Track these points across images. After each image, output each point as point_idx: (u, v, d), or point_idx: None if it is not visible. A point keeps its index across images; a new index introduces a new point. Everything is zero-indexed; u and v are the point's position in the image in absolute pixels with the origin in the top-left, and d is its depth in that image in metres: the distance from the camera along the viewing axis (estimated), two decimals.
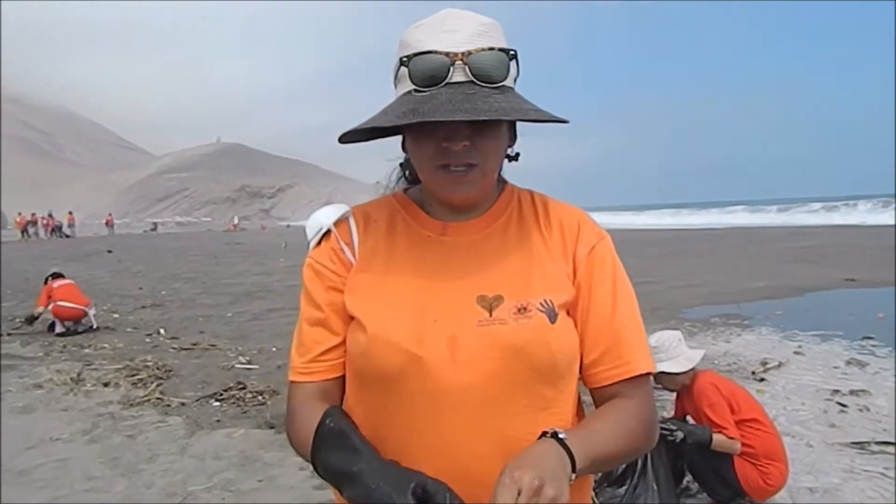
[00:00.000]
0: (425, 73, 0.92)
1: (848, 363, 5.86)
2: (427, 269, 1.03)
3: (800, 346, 6.61)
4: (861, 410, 4.59)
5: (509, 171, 1.12)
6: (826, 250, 17.02)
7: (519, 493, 0.78)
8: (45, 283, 8.70)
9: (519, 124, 1.06)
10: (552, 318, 0.99)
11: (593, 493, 1.18)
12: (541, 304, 0.99)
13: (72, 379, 5.91)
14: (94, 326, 8.49)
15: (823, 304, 9.35)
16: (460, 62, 0.92)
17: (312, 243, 1.10)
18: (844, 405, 4.70)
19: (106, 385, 5.76)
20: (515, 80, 0.99)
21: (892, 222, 28.33)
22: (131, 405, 5.16)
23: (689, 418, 3.38)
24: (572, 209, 1.12)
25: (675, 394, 3.49)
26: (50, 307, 8.27)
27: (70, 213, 52.51)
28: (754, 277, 12.01)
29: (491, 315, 0.98)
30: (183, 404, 5.18)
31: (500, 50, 0.94)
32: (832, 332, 7.16)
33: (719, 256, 17.03)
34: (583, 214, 1.11)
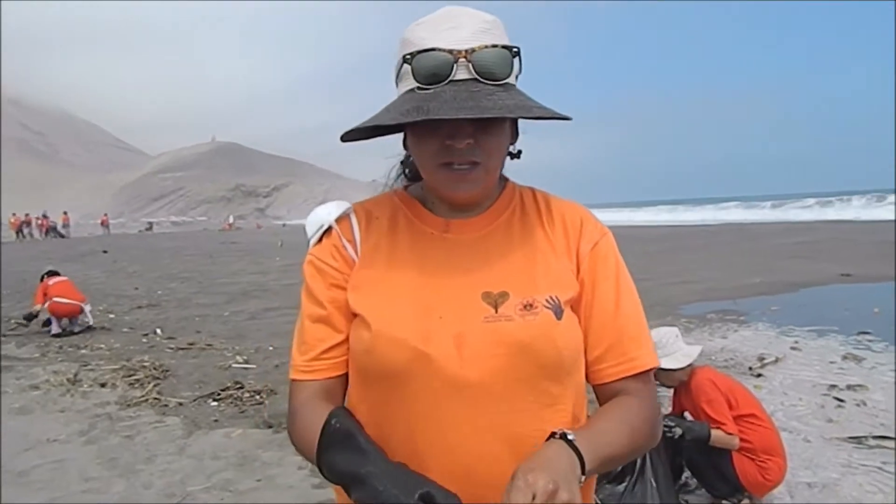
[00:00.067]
0: (428, 70, 0.92)
1: (844, 358, 5.89)
2: (430, 266, 1.03)
3: (796, 342, 6.63)
4: (858, 405, 4.61)
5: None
6: (821, 246, 17.09)
7: (534, 497, 0.78)
8: (41, 280, 8.72)
9: (520, 122, 1.05)
10: (558, 314, 0.99)
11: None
12: (547, 300, 0.99)
13: (68, 380, 5.90)
14: (91, 323, 8.52)
15: (819, 299, 9.39)
16: (464, 59, 0.91)
17: (313, 240, 1.09)
18: (841, 400, 4.72)
19: (103, 386, 5.75)
20: (517, 78, 0.98)
21: (886, 217, 28.44)
22: (128, 406, 5.15)
23: (686, 414, 3.39)
24: (574, 206, 1.12)
25: (672, 390, 3.50)
26: (46, 304, 8.28)
27: (65, 213, 52.28)
28: (750, 273, 12.05)
29: (497, 311, 0.98)
30: (180, 404, 5.17)
31: (504, 47, 0.94)
32: (828, 328, 7.19)
33: (714, 253, 17.07)
34: (585, 211, 1.11)
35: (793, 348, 6.37)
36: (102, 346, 7.56)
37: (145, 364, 6.38)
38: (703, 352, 3.74)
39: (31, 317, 8.55)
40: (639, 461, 2.99)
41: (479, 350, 0.96)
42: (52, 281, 8.63)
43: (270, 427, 4.52)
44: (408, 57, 0.94)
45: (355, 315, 1.02)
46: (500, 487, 0.82)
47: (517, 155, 1.08)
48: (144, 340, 7.85)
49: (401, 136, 1.08)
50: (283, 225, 75.45)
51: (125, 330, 8.60)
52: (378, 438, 0.93)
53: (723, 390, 3.21)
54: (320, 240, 1.09)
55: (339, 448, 0.88)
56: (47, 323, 8.35)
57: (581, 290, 1.04)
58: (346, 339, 1.04)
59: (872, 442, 3.93)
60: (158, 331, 8.42)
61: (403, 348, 0.96)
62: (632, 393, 1.02)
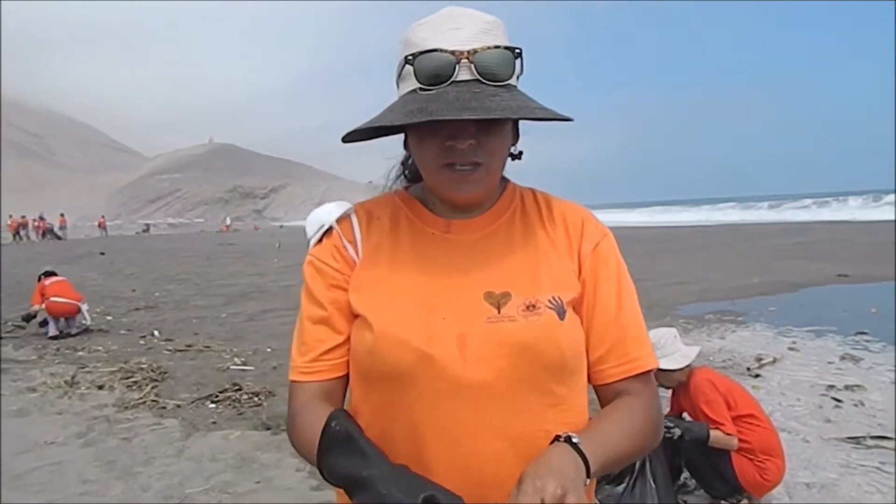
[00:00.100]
0: (431, 71, 0.92)
1: (842, 358, 5.90)
2: (432, 266, 1.03)
3: (794, 342, 6.64)
4: (856, 405, 4.61)
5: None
6: (818, 246, 17.13)
7: (542, 502, 0.78)
8: (38, 281, 8.71)
9: (520, 123, 1.05)
10: (561, 315, 0.99)
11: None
12: (549, 301, 0.99)
13: (66, 382, 5.88)
14: (89, 323, 8.52)
15: (817, 299, 9.41)
16: (466, 60, 0.91)
17: (313, 240, 1.09)
18: (839, 400, 4.72)
19: (100, 388, 5.73)
20: (518, 79, 0.98)
21: (883, 217, 28.51)
22: (126, 408, 5.14)
23: (685, 415, 3.39)
24: (575, 206, 1.12)
25: (670, 391, 3.50)
26: (43, 304, 8.27)
27: (62, 215, 52.12)
28: (747, 274, 12.07)
29: (499, 312, 0.97)
30: (178, 406, 5.16)
31: (506, 48, 0.94)
32: (826, 328, 7.20)
33: (712, 253, 17.10)
34: (585, 211, 1.11)
35: (791, 349, 6.38)
36: (100, 348, 7.54)
37: (143, 366, 6.37)
38: (702, 352, 3.75)
39: (29, 317, 8.57)
40: (638, 462, 2.99)
41: (482, 351, 0.96)
42: (49, 281, 8.62)
43: (269, 429, 4.51)
44: (409, 58, 0.94)
45: (357, 316, 1.02)
46: (503, 487, 0.82)
47: (518, 156, 1.07)
48: (142, 342, 7.84)
49: (401, 137, 1.08)
50: (281, 226, 75.40)
51: (122, 332, 8.58)
52: (381, 439, 0.93)
53: (721, 391, 3.21)
54: (320, 240, 1.08)
55: (340, 451, 0.87)
56: (44, 324, 8.35)
57: (583, 290, 1.04)
58: (347, 341, 1.04)
59: (870, 442, 3.93)
60: (156, 333, 8.40)
61: (407, 349, 0.96)
62: (634, 394, 1.02)
